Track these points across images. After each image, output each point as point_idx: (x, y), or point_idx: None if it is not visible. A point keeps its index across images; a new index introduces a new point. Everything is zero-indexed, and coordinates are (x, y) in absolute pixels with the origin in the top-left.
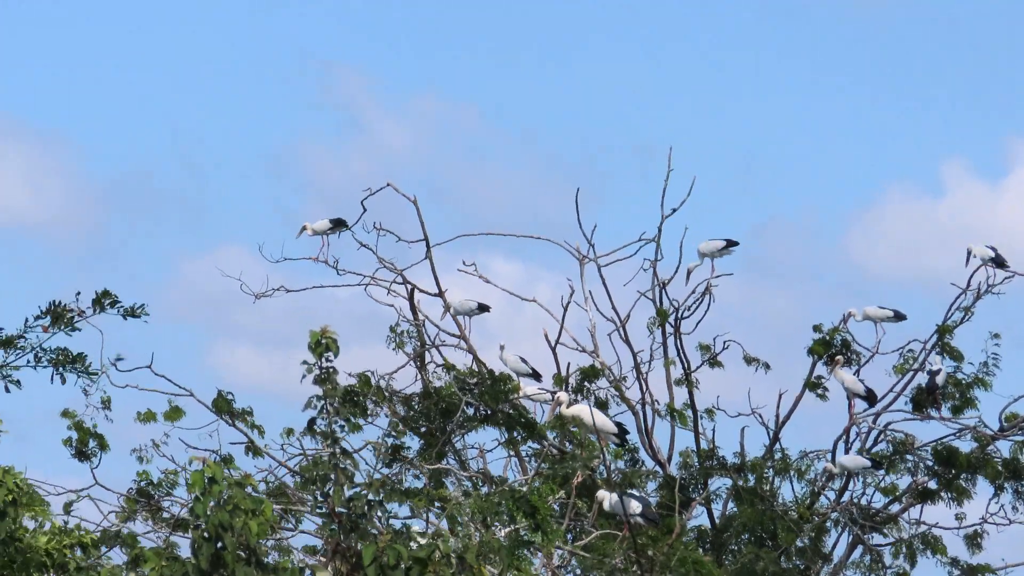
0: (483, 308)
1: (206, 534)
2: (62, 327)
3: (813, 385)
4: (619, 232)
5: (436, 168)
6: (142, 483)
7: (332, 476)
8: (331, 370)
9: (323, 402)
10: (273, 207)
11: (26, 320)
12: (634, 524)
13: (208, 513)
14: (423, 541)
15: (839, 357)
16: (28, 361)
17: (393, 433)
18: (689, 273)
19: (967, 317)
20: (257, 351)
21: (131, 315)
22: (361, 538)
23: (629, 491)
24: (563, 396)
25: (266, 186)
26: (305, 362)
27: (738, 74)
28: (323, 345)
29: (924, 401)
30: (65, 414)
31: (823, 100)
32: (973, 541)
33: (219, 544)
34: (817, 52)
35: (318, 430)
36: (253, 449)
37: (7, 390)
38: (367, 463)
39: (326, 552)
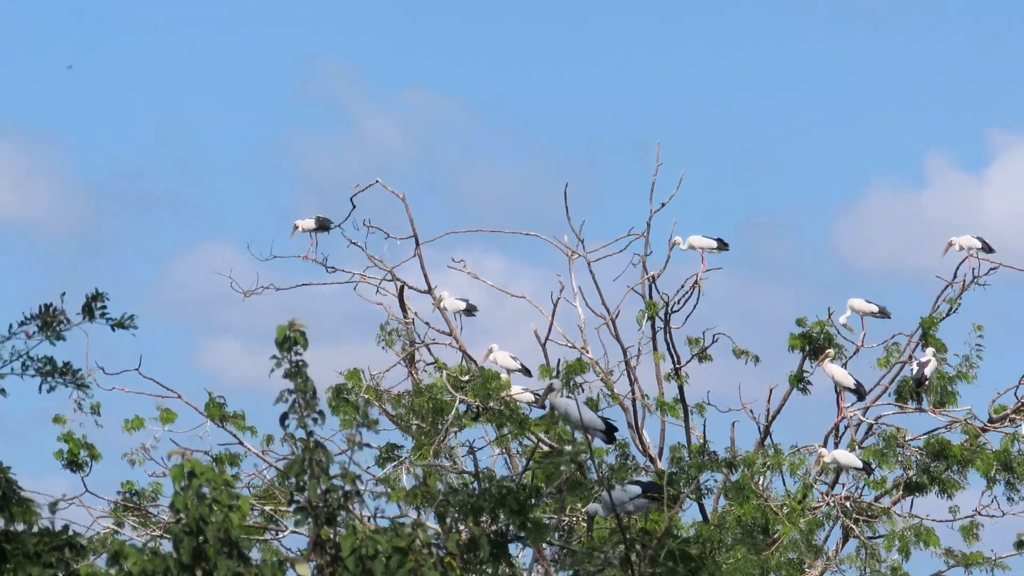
0: (470, 309)
1: (187, 528)
2: (48, 335)
3: (798, 379)
4: (614, 228)
5: (428, 163)
6: (127, 493)
7: (307, 470)
8: (300, 364)
9: (294, 396)
10: (263, 204)
11: (10, 326)
12: (637, 507)
13: (188, 507)
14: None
15: (828, 351)
16: (13, 370)
17: (365, 423)
18: (673, 245)
19: (953, 309)
20: (245, 349)
21: (120, 326)
22: (347, 534)
23: (623, 482)
24: (556, 384)
25: (255, 183)
26: (274, 356)
27: (727, 71)
28: (291, 339)
29: (911, 393)
30: (56, 420)
31: (807, 96)
32: (970, 532)
33: (201, 538)
34: (802, 48)
35: (289, 425)
36: (229, 459)
37: None
38: (351, 457)
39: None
